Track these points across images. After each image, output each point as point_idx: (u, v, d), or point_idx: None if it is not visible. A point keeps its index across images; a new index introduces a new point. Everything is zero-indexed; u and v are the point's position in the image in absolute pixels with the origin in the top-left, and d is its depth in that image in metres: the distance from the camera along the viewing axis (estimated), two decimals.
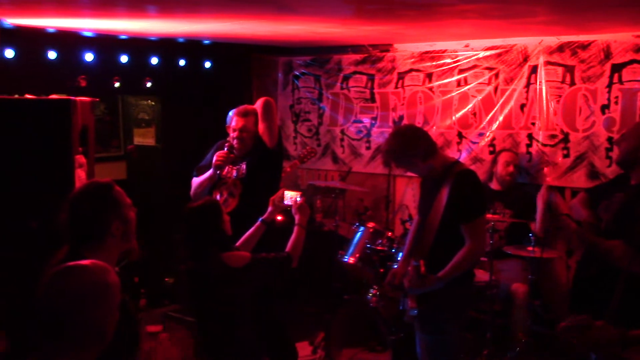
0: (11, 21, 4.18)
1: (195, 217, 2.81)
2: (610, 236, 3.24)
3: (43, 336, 1.57)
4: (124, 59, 5.33)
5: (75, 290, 1.58)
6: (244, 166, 3.77)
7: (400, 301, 3.28)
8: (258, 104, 3.85)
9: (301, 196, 3.23)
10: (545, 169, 4.77)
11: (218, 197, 3.73)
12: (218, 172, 3.75)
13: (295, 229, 3.13)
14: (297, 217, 3.17)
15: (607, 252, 3.18)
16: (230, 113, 4.64)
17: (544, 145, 4.84)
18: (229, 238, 2.94)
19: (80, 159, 3.58)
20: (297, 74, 6.22)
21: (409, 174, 5.21)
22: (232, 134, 3.77)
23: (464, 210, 3.02)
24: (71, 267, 1.64)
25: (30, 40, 4.68)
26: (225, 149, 3.75)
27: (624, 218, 3.16)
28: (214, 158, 3.73)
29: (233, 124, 3.76)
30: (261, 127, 3.77)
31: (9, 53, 4.60)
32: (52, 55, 4.84)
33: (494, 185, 4.75)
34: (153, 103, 6.05)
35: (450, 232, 3.04)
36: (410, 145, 3.06)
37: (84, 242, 2.02)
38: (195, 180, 3.86)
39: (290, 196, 3.22)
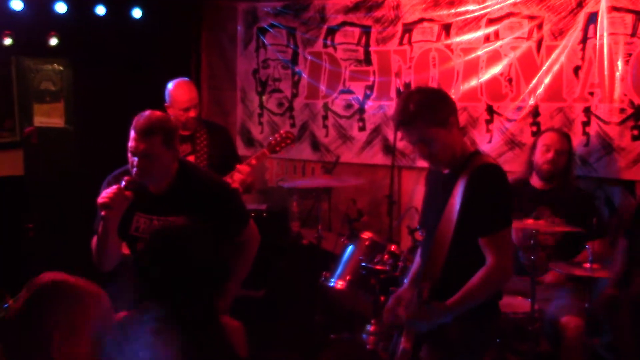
0: None
1: None
2: None
3: None
4: (17, 4, 5.25)
5: None
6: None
7: (392, 340, 3.33)
8: None
9: None
10: None
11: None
12: (105, 218, 3.39)
13: None
14: None
15: None
16: (170, 85, 4.66)
17: (607, 123, 4.85)
18: None
19: None
20: (264, 26, 6.21)
21: (420, 163, 5.21)
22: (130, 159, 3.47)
23: (483, 219, 3.05)
24: None
25: None
26: (123, 183, 3.40)
27: None
28: (100, 198, 3.40)
29: (131, 143, 3.44)
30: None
31: None
32: None
33: (536, 181, 4.75)
34: (61, 68, 5.99)
35: (470, 248, 3.08)
36: (442, 103, 3.15)
37: None
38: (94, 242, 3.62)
39: None
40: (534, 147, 4.75)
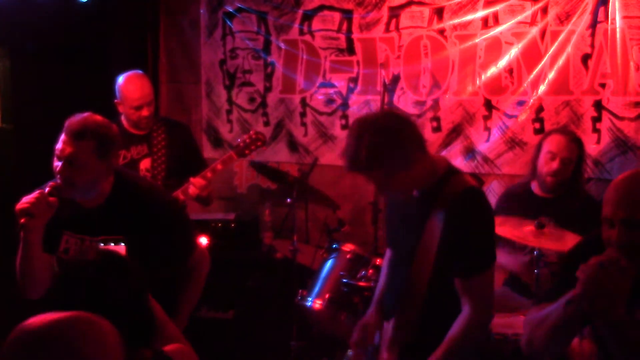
0: None
1: None
2: None
3: None
4: None
5: None
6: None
7: None
8: None
9: None
10: None
11: None
12: (26, 228, 3.30)
13: None
14: None
15: None
16: (120, 79, 4.63)
17: (621, 118, 4.83)
18: None
19: None
20: (230, 10, 6.22)
21: None
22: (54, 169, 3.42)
23: (464, 259, 3.01)
24: None
25: None
26: (47, 189, 3.32)
27: None
28: (19, 204, 3.33)
29: (58, 145, 3.40)
30: None
31: None
32: None
33: (538, 189, 4.64)
34: None
35: (451, 287, 3.06)
36: (399, 145, 2.96)
37: None
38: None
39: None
40: (538, 149, 4.64)
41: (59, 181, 3.31)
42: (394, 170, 2.95)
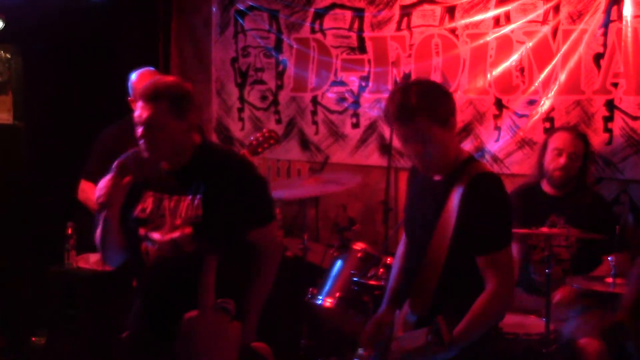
0: None
1: None
2: None
3: None
4: None
5: None
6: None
7: None
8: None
9: None
10: None
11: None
12: (105, 214, 3.34)
13: None
14: None
15: None
16: (133, 76, 4.62)
17: (633, 118, 4.82)
18: None
19: None
20: (242, 8, 6.21)
21: None
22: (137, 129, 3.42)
23: (483, 235, 3.05)
24: None
25: None
26: (113, 172, 3.31)
27: None
28: (97, 192, 3.33)
29: (136, 112, 3.39)
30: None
31: None
32: None
33: (547, 186, 4.67)
34: (9, 56, 5.97)
35: (466, 269, 3.09)
36: (445, 99, 3.13)
37: None
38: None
39: None
40: (544, 148, 4.69)
41: (142, 148, 3.29)
42: (436, 121, 3.04)
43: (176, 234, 3.28)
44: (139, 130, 3.29)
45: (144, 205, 3.38)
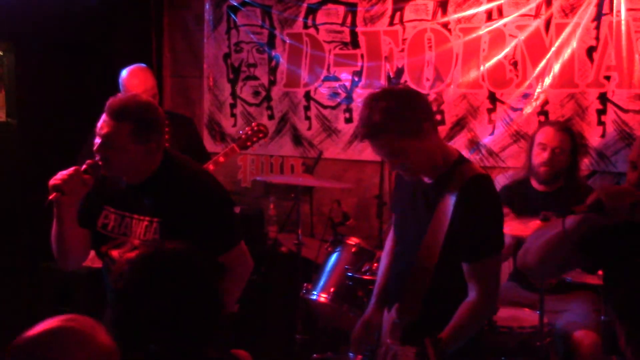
0: None
1: None
2: None
3: None
4: None
5: None
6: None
7: None
8: None
9: None
10: None
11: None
12: (57, 203, 3.21)
13: None
14: None
15: None
16: (124, 73, 4.63)
17: (626, 111, 4.84)
18: None
19: None
20: (235, 4, 6.19)
21: None
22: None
23: (473, 242, 3.02)
24: None
25: None
26: (84, 166, 3.21)
27: None
28: (52, 180, 3.23)
29: (99, 122, 3.25)
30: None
31: None
32: None
33: (535, 182, 4.68)
34: (1, 53, 5.92)
35: (458, 273, 3.08)
36: (411, 111, 3.02)
37: None
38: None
39: None
40: (531, 143, 4.68)
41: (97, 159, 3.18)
42: (405, 135, 2.98)
43: (133, 255, 3.00)
44: (96, 142, 3.18)
45: (105, 221, 3.33)
